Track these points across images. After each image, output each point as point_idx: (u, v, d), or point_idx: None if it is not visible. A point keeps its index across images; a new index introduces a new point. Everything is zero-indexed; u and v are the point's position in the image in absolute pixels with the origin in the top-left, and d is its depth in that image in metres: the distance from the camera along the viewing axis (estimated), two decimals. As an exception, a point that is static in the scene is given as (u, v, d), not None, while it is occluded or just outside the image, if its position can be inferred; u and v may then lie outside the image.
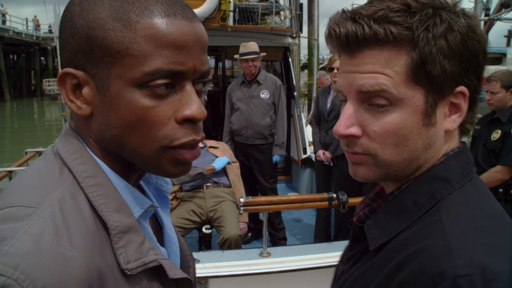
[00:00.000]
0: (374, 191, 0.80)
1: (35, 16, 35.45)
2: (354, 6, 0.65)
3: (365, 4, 0.63)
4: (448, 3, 0.63)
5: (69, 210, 0.53)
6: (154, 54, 0.55)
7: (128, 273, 0.56)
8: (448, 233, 0.58)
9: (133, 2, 0.55)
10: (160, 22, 0.55)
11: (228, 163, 3.37)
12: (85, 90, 0.58)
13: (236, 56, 3.90)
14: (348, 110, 0.65)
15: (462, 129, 0.68)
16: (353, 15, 0.62)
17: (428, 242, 0.58)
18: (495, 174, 2.91)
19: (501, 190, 2.92)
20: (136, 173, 0.64)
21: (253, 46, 3.79)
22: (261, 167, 3.89)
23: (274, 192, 4.00)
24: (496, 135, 2.97)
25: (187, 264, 0.76)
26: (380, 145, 0.63)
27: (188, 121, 0.58)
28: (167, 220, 0.74)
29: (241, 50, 3.80)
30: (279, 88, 3.90)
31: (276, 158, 3.92)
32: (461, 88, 0.63)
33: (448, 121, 0.65)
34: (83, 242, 0.52)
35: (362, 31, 0.61)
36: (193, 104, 0.58)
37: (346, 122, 0.64)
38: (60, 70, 0.63)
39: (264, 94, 3.83)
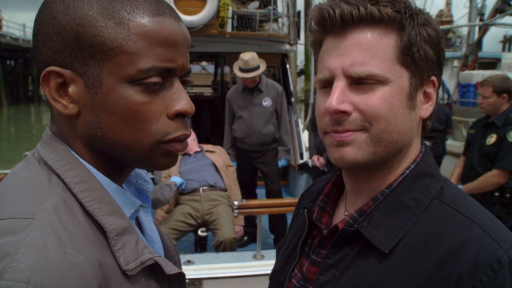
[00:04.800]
0: (323, 193, 0.80)
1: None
2: None
3: None
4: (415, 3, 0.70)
5: (66, 216, 0.53)
6: (148, 52, 0.56)
7: (130, 273, 0.56)
8: (477, 222, 0.62)
9: (121, 1, 0.56)
10: (152, 20, 0.56)
11: (180, 186, 3.23)
12: (72, 89, 0.57)
13: (236, 72, 3.74)
14: (338, 87, 0.65)
15: (424, 125, 0.72)
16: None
17: (464, 234, 0.61)
18: (491, 178, 2.92)
19: (497, 194, 2.93)
20: (122, 172, 0.65)
21: (252, 61, 3.63)
22: (267, 169, 3.88)
23: (280, 195, 4.00)
24: (491, 139, 2.99)
25: (173, 259, 0.76)
26: (374, 118, 0.65)
27: (179, 116, 0.60)
28: (148, 220, 0.73)
29: (240, 64, 3.66)
30: (281, 95, 3.87)
31: (282, 162, 3.90)
32: (434, 78, 0.68)
33: (423, 109, 0.69)
34: (85, 247, 0.52)
35: (357, 11, 0.63)
36: (183, 100, 0.60)
37: (339, 97, 0.64)
38: (37, 70, 0.61)
39: (266, 102, 3.78)
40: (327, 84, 0.68)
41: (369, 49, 0.64)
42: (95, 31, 0.55)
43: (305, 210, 0.79)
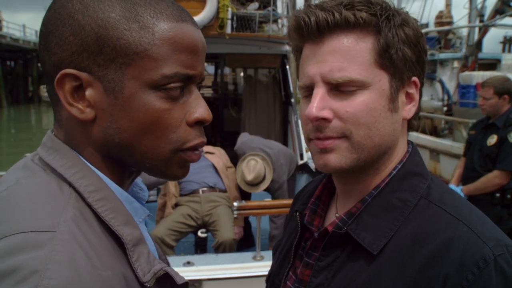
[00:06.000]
0: (314, 195, 0.80)
1: None
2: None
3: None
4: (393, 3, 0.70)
5: (86, 228, 0.51)
6: (172, 57, 0.55)
7: (148, 285, 0.54)
8: (463, 220, 0.62)
9: (144, 5, 0.55)
10: (176, 26, 0.55)
11: None
12: (89, 92, 0.54)
13: (243, 186, 3.32)
14: (319, 94, 0.65)
15: (409, 124, 0.73)
16: (321, 6, 0.65)
17: (450, 233, 0.61)
18: (492, 179, 2.92)
19: (498, 194, 2.94)
20: (129, 180, 0.63)
21: (257, 179, 3.21)
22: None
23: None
24: (492, 140, 2.99)
25: None
26: (354, 125, 0.65)
27: (198, 124, 0.59)
28: (144, 229, 0.72)
29: (249, 178, 3.19)
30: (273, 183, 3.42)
31: None
32: (415, 78, 0.68)
33: (406, 110, 0.69)
34: (109, 260, 0.50)
35: (332, 17, 0.64)
36: (202, 107, 0.59)
37: (319, 104, 0.65)
38: (44, 71, 0.58)
39: None
40: (309, 92, 0.68)
41: (346, 54, 0.64)
42: (119, 34, 0.53)
43: (297, 213, 0.80)
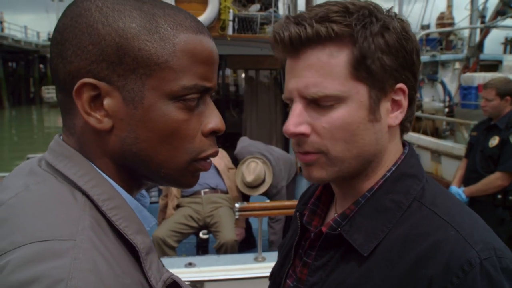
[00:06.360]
0: (314, 195, 0.81)
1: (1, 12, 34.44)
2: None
3: (309, 9, 0.66)
4: (382, 7, 0.67)
5: (103, 237, 0.51)
6: (191, 69, 0.55)
7: None
8: (452, 223, 0.62)
9: (163, 16, 0.55)
10: (195, 38, 0.56)
11: None
12: (108, 102, 0.54)
13: (243, 189, 3.29)
14: (296, 109, 0.66)
15: (402, 127, 0.72)
16: (296, 19, 0.64)
17: (439, 236, 0.61)
18: (494, 180, 2.91)
19: (499, 196, 2.93)
20: (139, 190, 0.63)
21: (256, 181, 3.18)
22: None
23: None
24: (494, 141, 2.98)
25: None
26: (330, 141, 0.65)
27: (212, 134, 0.60)
28: None
29: (248, 179, 3.17)
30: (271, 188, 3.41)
31: None
32: (401, 85, 0.66)
33: (391, 117, 0.68)
34: (127, 268, 0.51)
35: (304, 32, 0.63)
36: (216, 117, 0.60)
37: (295, 121, 0.65)
38: (59, 78, 0.57)
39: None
40: (291, 104, 0.69)
41: (321, 69, 0.63)
42: (140, 45, 0.53)
43: (297, 214, 0.81)
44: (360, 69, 0.63)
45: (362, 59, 0.63)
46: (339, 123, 0.64)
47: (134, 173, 0.59)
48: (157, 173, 0.58)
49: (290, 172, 3.61)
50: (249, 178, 3.19)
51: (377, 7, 0.65)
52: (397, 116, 0.68)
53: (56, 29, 0.56)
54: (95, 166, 0.56)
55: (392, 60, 0.64)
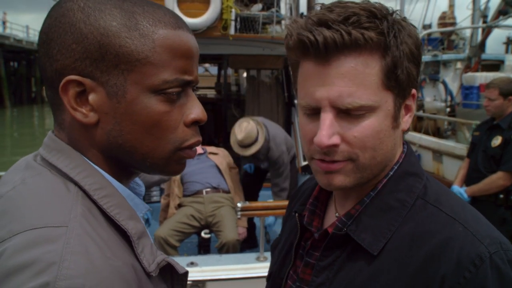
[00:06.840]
0: (312, 195, 0.80)
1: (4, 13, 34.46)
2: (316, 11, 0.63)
3: (326, 10, 0.62)
4: (392, 9, 0.65)
5: (95, 223, 0.54)
6: (171, 64, 0.58)
7: (153, 275, 0.57)
8: (459, 219, 0.63)
9: (143, 13, 0.58)
10: (173, 33, 0.58)
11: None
12: (93, 97, 0.57)
13: (235, 148, 3.29)
14: (327, 120, 0.63)
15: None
16: (324, 22, 0.61)
17: (447, 233, 0.62)
18: (496, 180, 2.92)
19: (501, 196, 2.93)
20: (130, 178, 0.66)
21: (247, 139, 3.14)
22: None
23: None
24: (496, 141, 2.98)
25: None
26: (361, 149, 0.64)
27: (194, 124, 0.62)
28: None
29: (239, 137, 3.15)
30: (271, 152, 3.45)
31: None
32: (413, 90, 0.68)
33: (404, 122, 0.69)
34: (118, 251, 0.54)
35: (340, 37, 0.60)
36: (197, 108, 0.62)
37: (329, 132, 0.63)
38: (44, 76, 0.60)
39: (265, 165, 3.58)
40: (313, 112, 0.66)
41: (355, 78, 0.61)
42: (121, 42, 0.56)
43: (296, 214, 0.80)
44: (391, 78, 0.63)
45: (393, 69, 0.62)
46: (370, 132, 0.64)
47: (122, 163, 0.62)
48: (144, 163, 0.61)
49: (290, 151, 3.63)
50: (240, 136, 3.18)
51: (388, 10, 0.64)
52: (407, 120, 0.70)
53: (42, 30, 0.59)
54: (86, 158, 0.60)
55: (415, 67, 0.65)
